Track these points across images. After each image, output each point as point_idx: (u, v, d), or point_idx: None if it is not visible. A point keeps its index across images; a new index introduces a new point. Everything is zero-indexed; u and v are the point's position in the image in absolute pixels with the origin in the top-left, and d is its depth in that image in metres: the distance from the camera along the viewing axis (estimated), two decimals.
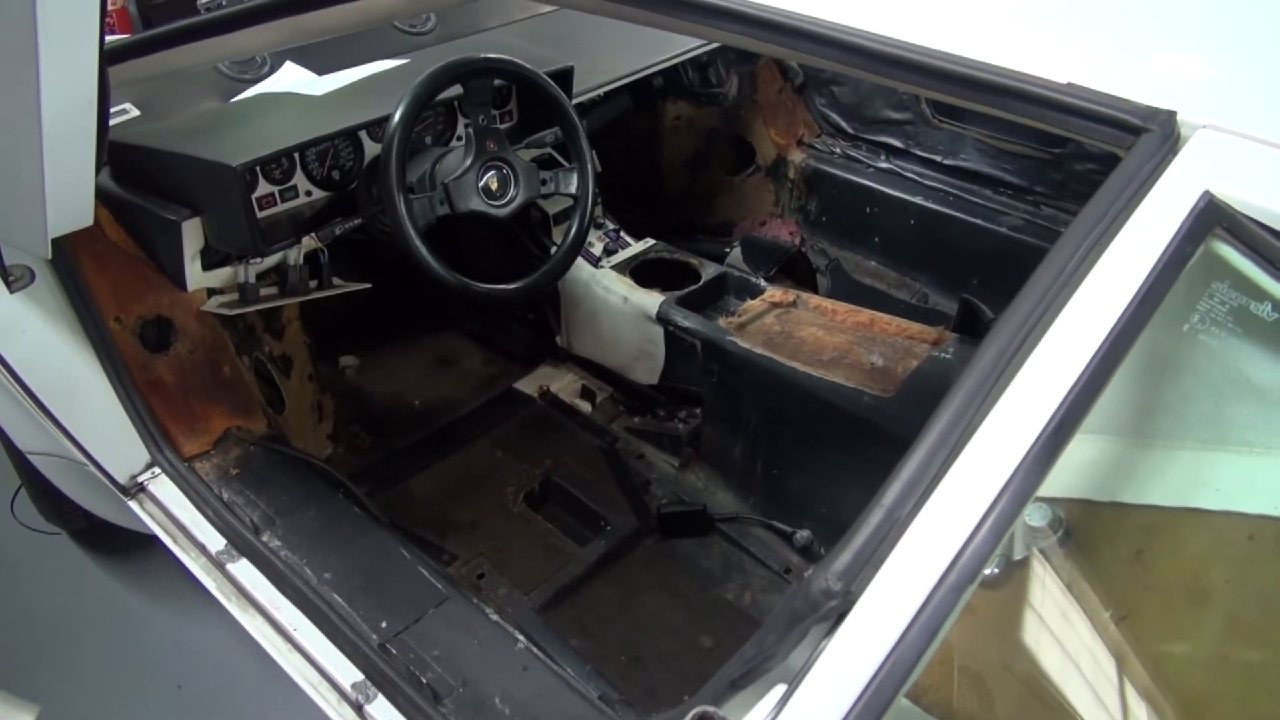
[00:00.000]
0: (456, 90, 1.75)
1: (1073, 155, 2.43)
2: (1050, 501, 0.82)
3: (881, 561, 0.69)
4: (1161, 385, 0.76)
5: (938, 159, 2.67)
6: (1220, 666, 0.73)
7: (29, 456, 2.01)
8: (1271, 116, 0.78)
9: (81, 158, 1.15)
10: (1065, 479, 0.79)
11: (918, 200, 2.66)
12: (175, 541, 1.65)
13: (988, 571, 0.75)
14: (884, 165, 2.75)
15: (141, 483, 1.73)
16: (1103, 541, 0.79)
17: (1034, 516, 0.81)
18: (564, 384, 2.38)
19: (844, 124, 2.84)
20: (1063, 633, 0.79)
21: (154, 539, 1.69)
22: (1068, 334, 0.70)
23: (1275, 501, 0.74)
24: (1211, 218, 0.71)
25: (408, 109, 1.61)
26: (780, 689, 0.75)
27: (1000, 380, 0.71)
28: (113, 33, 3.82)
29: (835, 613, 0.70)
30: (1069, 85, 0.82)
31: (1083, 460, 0.80)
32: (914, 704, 0.69)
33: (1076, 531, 0.81)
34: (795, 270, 2.56)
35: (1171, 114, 0.78)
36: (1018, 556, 0.82)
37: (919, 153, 2.70)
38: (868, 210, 2.77)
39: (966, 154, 2.62)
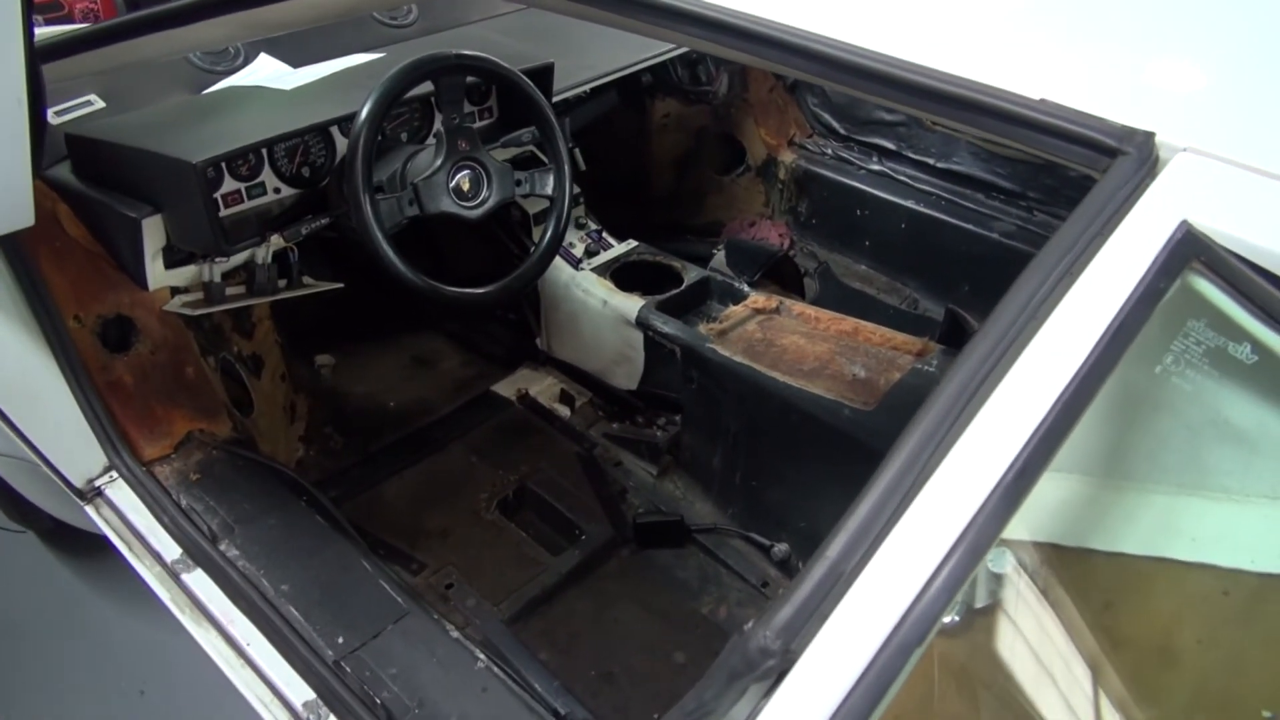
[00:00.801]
0: (430, 86, 1.69)
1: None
2: (1014, 545, 0.77)
3: (825, 617, 0.64)
4: (1133, 425, 0.71)
5: (930, 162, 2.61)
6: None
7: None
8: (1255, 140, 0.73)
9: (14, 158, 1.09)
10: (1032, 520, 0.74)
11: (909, 204, 2.61)
12: (130, 549, 1.60)
13: (948, 620, 0.71)
14: (876, 167, 2.70)
15: (98, 487, 1.68)
16: (1070, 591, 0.74)
17: (997, 562, 0.76)
18: (543, 387, 2.33)
19: (836, 124, 2.79)
20: (1028, 682, 0.74)
21: (109, 545, 1.64)
22: (1034, 371, 0.65)
23: (1250, 554, 0.69)
24: (1189, 250, 0.66)
25: (375, 106, 1.56)
26: None
27: (960, 418, 0.66)
28: (96, 19, 3.77)
29: (774, 671, 0.65)
30: (1042, 101, 0.77)
31: (1050, 501, 0.75)
32: None
33: (1042, 579, 0.76)
34: (782, 274, 2.51)
35: (1149, 135, 0.73)
36: (980, 604, 0.77)
37: (911, 155, 2.65)
38: (858, 213, 2.71)
39: (959, 157, 2.57)
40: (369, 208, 1.57)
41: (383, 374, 2.44)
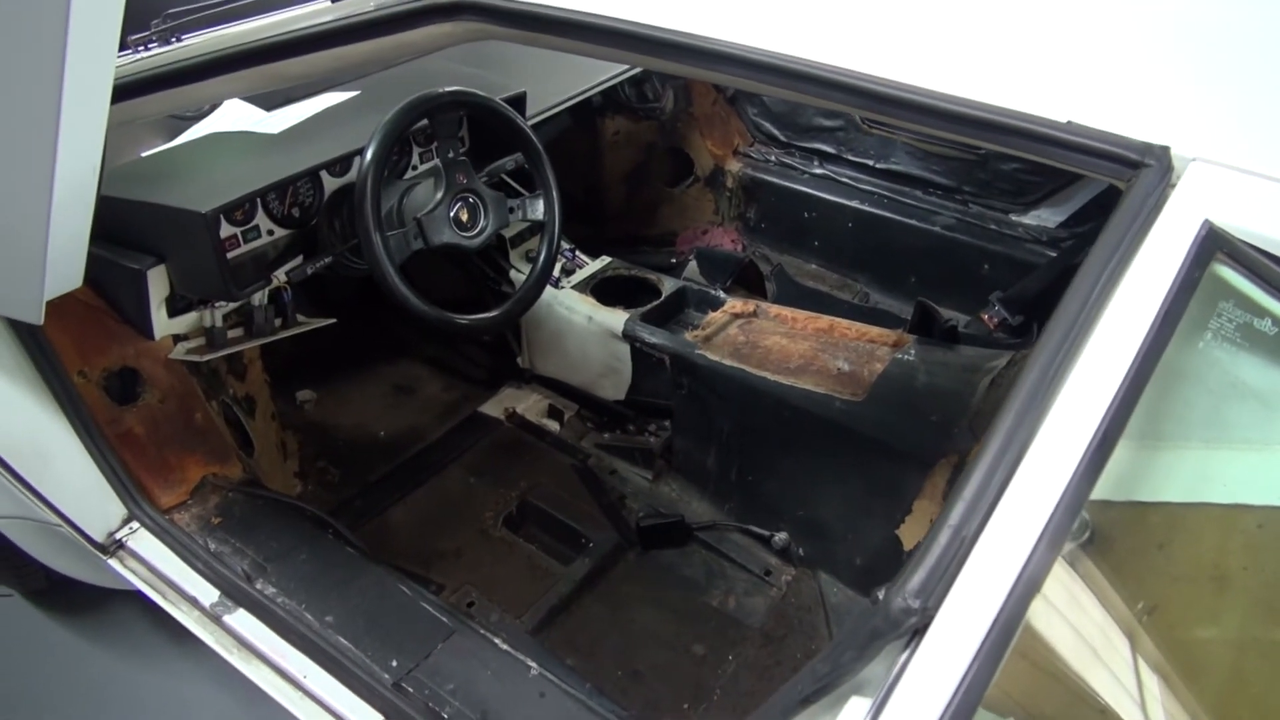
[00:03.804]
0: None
1: (997, 156, 2.57)
2: None
3: (954, 577, 0.75)
4: (1175, 394, 0.84)
5: (870, 163, 2.78)
6: (1249, 646, 0.82)
7: None
8: (1256, 148, 0.87)
9: (82, 222, 1.12)
10: None
11: (853, 204, 2.77)
12: (164, 597, 1.61)
13: None
14: (818, 171, 2.86)
15: (120, 539, 1.68)
16: (1126, 538, 0.86)
17: None
18: (529, 404, 2.40)
19: (777, 132, 2.93)
20: (1097, 630, 0.86)
21: (139, 595, 1.65)
22: (1102, 356, 0.78)
23: (1277, 493, 0.83)
24: (1213, 244, 0.79)
25: (380, 147, 1.61)
26: (857, 702, 0.80)
27: (1046, 398, 0.78)
28: None
29: (913, 629, 0.76)
30: (1069, 124, 0.90)
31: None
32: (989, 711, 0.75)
33: (1100, 531, 0.88)
34: (746, 278, 2.64)
35: (1165, 148, 0.86)
36: None
37: (851, 158, 2.81)
38: (806, 215, 2.87)
39: (897, 157, 2.74)
40: (380, 245, 1.62)
41: (366, 404, 2.47)
